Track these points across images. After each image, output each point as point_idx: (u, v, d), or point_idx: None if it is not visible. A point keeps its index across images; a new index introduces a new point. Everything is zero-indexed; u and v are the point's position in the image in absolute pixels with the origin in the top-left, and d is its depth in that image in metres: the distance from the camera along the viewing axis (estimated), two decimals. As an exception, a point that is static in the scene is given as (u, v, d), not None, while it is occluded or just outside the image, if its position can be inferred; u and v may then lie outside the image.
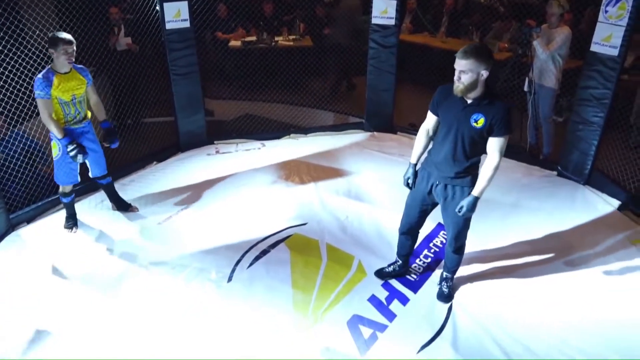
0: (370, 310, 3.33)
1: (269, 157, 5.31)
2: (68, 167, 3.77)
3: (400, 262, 3.62)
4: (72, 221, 4.08)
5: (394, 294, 3.48)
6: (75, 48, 3.51)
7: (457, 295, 3.46)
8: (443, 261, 3.51)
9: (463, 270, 3.68)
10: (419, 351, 3.05)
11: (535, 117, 5.26)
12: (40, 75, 3.48)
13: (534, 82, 5.13)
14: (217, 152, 5.45)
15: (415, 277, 3.64)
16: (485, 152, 2.93)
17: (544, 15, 5.05)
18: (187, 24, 4.93)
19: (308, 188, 4.73)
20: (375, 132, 5.91)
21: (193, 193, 4.61)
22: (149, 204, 4.44)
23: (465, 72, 2.73)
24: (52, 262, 3.72)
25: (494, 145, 2.85)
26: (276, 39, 7.11)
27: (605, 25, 4.35)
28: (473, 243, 3.97)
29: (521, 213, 4.40)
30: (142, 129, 5.35)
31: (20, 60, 3.97)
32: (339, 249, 3.91)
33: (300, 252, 3.86)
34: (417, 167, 3.21)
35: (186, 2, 4.84)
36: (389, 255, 3.81)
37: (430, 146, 3.17)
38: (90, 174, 4.00)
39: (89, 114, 3.86)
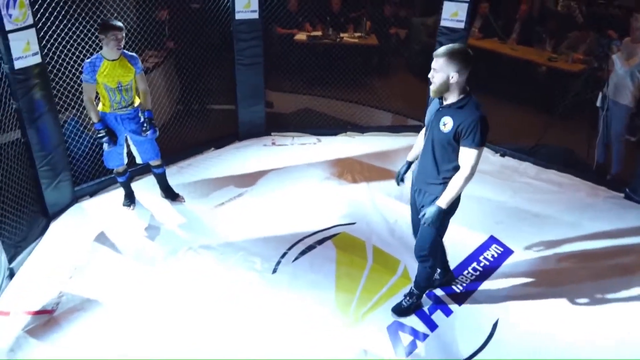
0: (412, 318, 3.28)
1: (324, 153, 5.32)
2: (115, 151, 3.88)
3: (439, 269, 3.49)
4: (129, 199, 4.25)
5: (438, 305, 3.40)
6: (124, 35, 3.56)
7: (504, 311, 3.33)
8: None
9: (512, 287, 3.56)
10: (458, 365, 2.98)
11: (605, 134, 4.99)
12: (88, 60, 3.59)
13: (608, 97, 4.86)
14: (273, 143, 5.52)
15: (461, 288, 3.55)
16: (453, 162, 2.78)
17: (627, 28, 4.76)
18: (256, 15, 5.00)
19: (360, 187, 4.70)
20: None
21: (247, 182, 4.69)
22: (204, 188, 4.56)
23: (437, 71, 2.62)
24: (108, 235, 3.90)
25: (462, 155, 2.70)
26: (341, 35, 7.10)
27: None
28: (525, 259, 3.84)
29: (581, 234, 4.17)
30: (204, 115, 5.50)
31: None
32: (386, 252, 3.86)
33: (346, 251, 3.85)
34: (413, 166, 3.10)
35: (257, -7, 4.91)
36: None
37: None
38: (138, 161, 4.08)
39: (137, 101, 3.89)
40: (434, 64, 2.64)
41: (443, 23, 5.28)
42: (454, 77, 2.60)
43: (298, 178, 4.79)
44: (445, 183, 2.82)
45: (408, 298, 3.33)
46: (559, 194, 4.77)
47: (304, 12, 6.84)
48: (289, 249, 3.83)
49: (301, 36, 6.99)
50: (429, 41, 6.28)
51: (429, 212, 2.82)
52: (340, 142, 5.63)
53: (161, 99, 5.19)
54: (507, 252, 3.93)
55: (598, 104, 4.98)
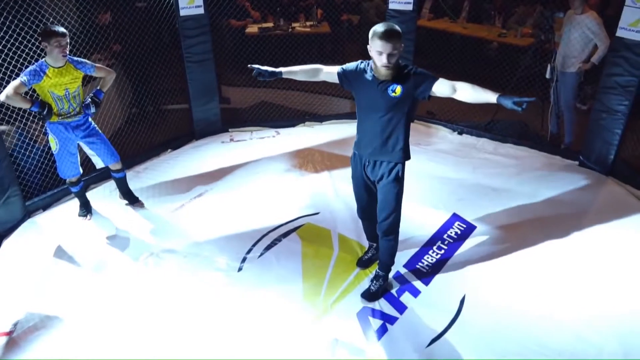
0: (381, 302, 3.29)
1: (283, 145, 5.27)
2: (68, 161, 3.78)
3: (375, 244, 3.55)
4: (85, 209, 4.11)
5: (405, 286, 3.42)
6: (68, 41, 3.45)
7: (470, 287, 3.38)
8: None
9: (477, 262, 3.62)
10: (428, 345, 3.00)
11: (557, 105, 5.10)
12: (33, 66, 3.44)
13: (557, 69, 4.97)
14: (232, 139, 5.44)
15: (427, 268, 3.58)
16: (409, 125, 2.91)
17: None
18: (201, 11, 4.89)
19: (322, 177, 4.69)
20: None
21: (206, 181, 4.61)
22: (162, 192, 4.46)
23: (393, 54, 2.65)
24: (65, 249, 3.77)
25: (441, 86, 2.72)
26: (293, 25, 7.03)
27: (633, 10, 4.16)
28: (487, 234, 3.91)
29: (539, 204, 4.28)
30: (159, 116, 5.37)
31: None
32: (351, 239, 3.86)
33: (312, 242, 3.83)
34: (279, 72, 3.04)
35: (200, -12, 4.80)
36: (402, 245, 3.71)
37: (356, 131, 3.07)
38: (97, 166, 4.00)
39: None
40: (389, 49, 2.62)
41: (391, 6, 5.29)
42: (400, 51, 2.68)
43: (259, 172, 4.74)
44: (395, 148, 2.91)
45: (375, 282, 3.34)
46: (516, 167, 4.87)
47: (254, 3, 6.75)
48: (254, 245, 3.79)
49: (253, 29, 6.90)
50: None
51: (507, 102, 2.53)
52: (299, 133, 5.60)
53: (113, 103, 5.04)
54: (470, 227, 3.99)
55: (547, 75, 5.09)
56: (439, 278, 3.49)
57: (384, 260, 3.29)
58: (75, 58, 3.63)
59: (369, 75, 2.82)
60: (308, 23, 7.14)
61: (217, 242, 3.81)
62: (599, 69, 4.69)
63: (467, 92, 2.70)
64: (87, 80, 4.21)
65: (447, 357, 2.91)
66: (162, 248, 3.75)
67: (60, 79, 3.49)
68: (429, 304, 3.28)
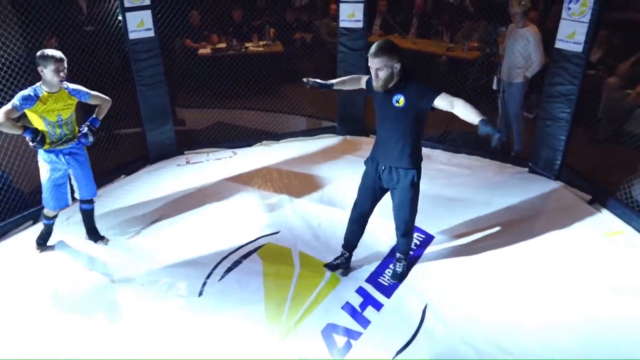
0: (345, 318, 3.29)
1: (241, 165, 5.24)
2: (57, 191, 3.61)
3: (347, 254, 3.69)
4: (44, 241, 3.94)
5: (368, 300, 3.44)
6: (66, 66, 3.33)
7: (431, 297, 3.43)
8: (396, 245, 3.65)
9: (436, 271, 3.68)
10: (394, 357, 3.01)
11: (505, 115, 5.29)
12: (27, 90, 3.32)
13: (503, 80, 5.16)
14: (188, 162, 5.36)
15: (389, 281, 3.61)
16: (417, 134, 3.14)
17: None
18: (151, 33, 4.84)
19: (281, 196, 4.67)
20: (348, 136, 5.88)
21: (163, 206, 4.51)
22: (117, 219, 4.33)
23: (381, 69, 2.91)
24: (19, 279, 3.60)
25: (442, 100, 2.93)
26: (246, 45, 7.05)
27: (569, 22, 4.38)
28: (445, 242, 3.98)
29: (494, 211, 4.40)
30: (111, 141, 5.24)
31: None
32: (312, 256, 3.86)
33: (273, 262, 3.80)
34: (331, 84, 3.40)
35: (149, 11, 4.75)
36: (363, 260, 3.80)
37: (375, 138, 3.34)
38: (76, 195, 3.79)
39: (77, 132, 3.64)
40: (375, 64, 2.90)
41: (342, 24, 5.39)
42: (397, 67, 2.94)
43: (217, 194, 4.68)
44: (410, 156, 3.14)
45: (399, 264, 3.63)
46: (470, 176, 5.00)
47: (206, 24, 6.73)
48: (214, 268, 3.73)
49: (205, 50, 6.87)
50: (335, 42, 6.37)
51: (481, 128, 2.76)
52: (256, 152, 5.58)
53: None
54: (428, 238, 4.05)
55: (494, 87, 5.28)
56: (400, 290, 3.53)
57: (404, 250, 3.59)
58: (71, 85, 3.51)
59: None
60: (261, 42, 7.17)
61: (176, 267, 3.73)
62: (542, 79, 4.90)
63: (461, 109, 2.89)
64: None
65: (412, 369, 2.94)
66: (119, 277, 3.63)
67: (53, 105, 3.38)
68: (392, 316, 3.30)
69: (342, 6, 5.32)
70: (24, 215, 4.23)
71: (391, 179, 3.25)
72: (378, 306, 3.39)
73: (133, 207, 4.50)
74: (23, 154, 4.32)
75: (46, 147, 3.46)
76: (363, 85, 3.30)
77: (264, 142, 5.77)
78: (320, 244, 4.00)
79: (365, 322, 3.25)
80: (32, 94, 3.31)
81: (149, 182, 4.94)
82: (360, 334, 3.17)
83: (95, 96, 3.62)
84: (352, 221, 3.58)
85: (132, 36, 4.75)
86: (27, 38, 4.33)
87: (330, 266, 3.69)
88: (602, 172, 4.55)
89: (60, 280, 3.61)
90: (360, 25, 5.37)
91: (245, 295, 3.46)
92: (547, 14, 6.70)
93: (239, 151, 5.57)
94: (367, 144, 5.69)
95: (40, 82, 3.36)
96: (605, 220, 4.28)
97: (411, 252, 3.76)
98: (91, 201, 3.87)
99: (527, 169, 5.09)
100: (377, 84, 2.99)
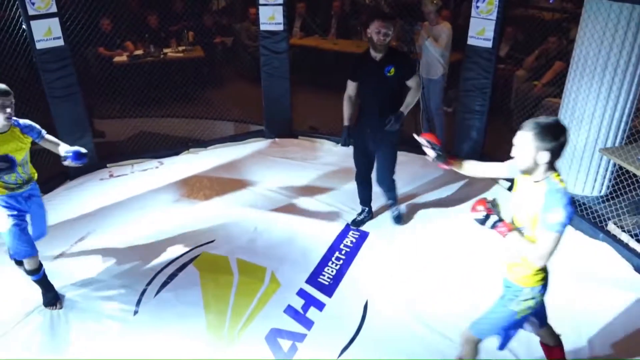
0: (288, 321, 3.28)
1: (168, 175, 5.06)
2: (22, 238, 3.15)
3: (367, 208, 4.27)
4: (51, 294, 3.37)
5: (310, 301, 3.45)
6: (13, 100, 2.88)
7: (371, 292, 3.50)
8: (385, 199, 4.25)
9: (373, 267, 3.76)
10: (339, 355, 3.05)
11: (426, 110, 5.50)
12: None
13: (422, 77, 5.36)
14: (111, 175, 5.10)
15: (329, 280, 3.64)
16: (400, 99, 3.71)
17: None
18: (60, 42, 4.55)
19: (213, 203, 4.58)
20: (276, 139, 5.86)
21: (87, 223, 4.26)
22: (39, 240, 4.04)
23: (388, 34, 3.52)
24: None
25: (412, 82, 3.70)
26: (164, 51, 6.83)
27: (478, 20, 4.64)
28: (380, 238, 4.08)
29: (422, 203, 4.57)
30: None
31: None
32: (250, 262, 3.81)
33: (210, 271, 3.72)
34: (349, 126, 3.89)
35: (57, 19, 4.46)
36: (302, 261, 3.80)
37: (360, 109, 3.89)
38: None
39: (35, 174, 3.29)
40: (385, 27, 3.54)
41: (262, 27, 5.36)
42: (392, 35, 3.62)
43: (145, 207, 4.50)
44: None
45: (396, 209, 4.26)
46: (398, 171, 5.13)
47: (119, 31, 6.44)
48: (148, 284, 3.58)
49: (121, 58, 6.58)
50: (256, 46, 6.33)
51: (395, 116, 3.64)
52: (183, 161, 5.41)
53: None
54: (363, 235, 4.13)
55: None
56: (341, 288, 3.57)
57: (393, 195, 4.19)
58: (22, 121, 3.04)
59: (371, 58, 3.64)
60: (180, 48, 6.97)
61: (107, 286, 3.54)
62: (459, 74, 5.15)
63: (410, 95, 3.72)
64: None
65: (358, 365, 2.99)
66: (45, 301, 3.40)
67: (3, 146, 2.90)
68: (334, 315, 3.34)
69: (262, 9, 5.29)
70: None
71: (377, 140, 3.81)
72: (320, 306, 3.41)
73: (54, 227, 4.17)
74: None
75: (2, 192, 3.05)
76: (352, 87, 3.83)
77: (190, 149, 5.61)
78: (258, 247, 3.97)
79: (308, 324, 3.26)
80: None
81: (70, 199, 4.65)
82: (304, 335, 3.18)
83: (47, 138, 3.20)
84: (359, 184, 4.18)
85: (39, 46, 4.44)
86: None
87: (356, 222, 4.21)
88: (518, 159, 4.85)
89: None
90: (281, 27, 5.37)
91: (183, 308, 3.36)
92: (458, 12, 7.05)
93: (165, 160, 5.39)
94: (296, 145, 5.71)
95: None
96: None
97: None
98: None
99: (450, 161, 5.32)
100: (380, 47, 3.55)
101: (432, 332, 3.18)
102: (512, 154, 2.21)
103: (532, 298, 2.32)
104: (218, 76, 7.35)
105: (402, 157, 5.38)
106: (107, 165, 5.23)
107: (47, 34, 4.44)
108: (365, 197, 4.24)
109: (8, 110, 2.86)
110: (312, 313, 3.36)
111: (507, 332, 2.43)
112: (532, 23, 6.43)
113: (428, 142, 2.63)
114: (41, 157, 4.93)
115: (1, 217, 3.09)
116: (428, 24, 5.20)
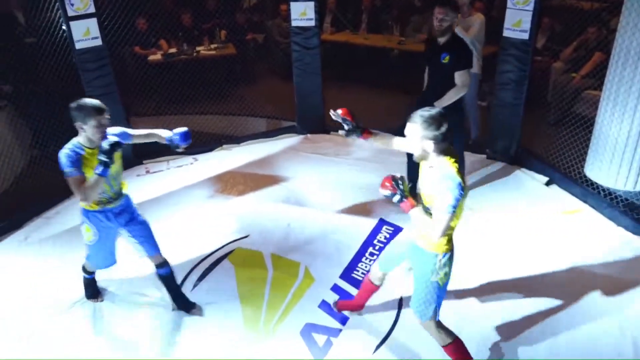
0: (322, 317, 3.29)
1: (203, 171, 5.14)
2: (105, 252, 3.13)
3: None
4: (93, 289, 3.48)
5: (344, 297, 3.45)
6: (109, 117, 2.76)
7: (406, 288, 3.46)
8: None
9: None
10: (374, 351, 3.04)
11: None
12: (67, 150, 2.72)
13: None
14: (148, 172, 5.22)
15: (363, 276, 3.63)
16: (451, 85, 3.83)
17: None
18: (98, 42, 4.67)
19: (246, 199, 4.63)
20: (308, 135, 5.87)
21: (125, 218, 4.37)
22: (78, 235, 4.14)
23: (445, 19, 3.73)
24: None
25: (458, 76, 3.81)
26: (197, 49, 6.93)
27: (514, 11, 4.53)
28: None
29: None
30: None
31: None
32: (284, 257, 3.84)
33: (245, 266, 3.76)
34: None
35: (95, 19, 4.58)
36: (336, 256, 3.81)
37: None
38: (144, 256, 3.21)
39: (126, 186, 3.14)
40: (441, 13, 3.75)
41: (294, 23, 5.37)
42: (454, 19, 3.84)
43: (180, 202, 4.58)
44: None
45: None
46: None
47: (154, 30, 6.57)
48: (185, 278, 3.65)
49: (155, 56, 6.71)
50: (287, 42, 6.35)
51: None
52: (217, 157, 5.49)
53: (11, 148, 4.67)
54: (397, 230, 4.10)
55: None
56: (375, 284, 3.55)
57: None
58: (112, 130, 2.86)
59: (436, 42, 3.90)
60: (213, 45, 7.06)
61: (146, 281, 3.61)
62: (494, 67, 5.05)
63: (453, 90, 3.84)
64: None
65: (395, 359, 2.97)
66: (82, 296, 3.49)
67: (96, 160, 2.74)
68: (369, 310, 3.32)
69: (293, 5, 5.31)
70: None
71: None
72: (354, 302, 3.41)
73: (94, 223, 4.33)
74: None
75: (93, 207, 2.93)
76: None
77: (224, 146, 5.68)
78: (291, 243, 3.99)
79: (343, 319, 3.27)
80: (74, 154, 2.72)
81: (109, 196, 4.77)
82: (339, 330, 3.18)
83: (138, 136, 3.06)
84: (408, 159, 4.13)
85: (78, 46, 4.57)
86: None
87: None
88: (556, 154, 4.74)
89: (22, 304, 3.44)
90: (312, 23, 5.37)
91: (220, 302, 3.41)
92: (492, 4, 6.90)
93: (200, 157, 5.47)
94: (328, 140, 5.71)
95: (78, 138, 2.78)
96: (562, 200, 4.46)
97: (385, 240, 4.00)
98: (165, 263, 3.25)
99: (485, 155, 5.23)
100: (438, 32, 3.79)
101: (467, 328, 3.14)
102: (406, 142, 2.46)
103: (444, 265, 2.55)
104: (250, 73, 7.42)
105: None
106: (144, 161, 5.35)
107: (85, 34, 4.56)
108: (413, 175, 4.10)
109: (104, 128, 2.76)
110: (346, 308, 3.36)
111: (439, 301, 2.64)
112: (570, 13, 6.25)
113: (342, 118, 2.73)
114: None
115: (88, 232, 3.01)
116: (460, 15, 5.10)
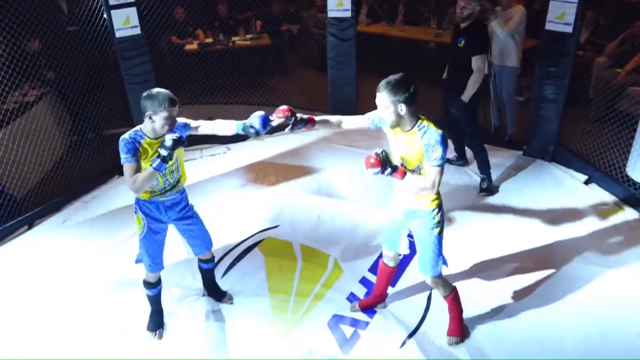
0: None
1: (236, 160, 5.19)
2: (155, 249, 2.95)
3: (462, 161, 4.89)
4: (156, 321, 3.17)
5: (372, 290, 3.42)
6: (178, 109, 2.69)
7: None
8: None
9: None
10: (402, 345, 3.02)
11: (497, 99, 5.28)
12: (127, 136, 2.65)
13: (494, 64, 5.14)
14: (182, 160, 5.29)
15: (392, 270, 3.60)
16: (465, 71, 4.10)
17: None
18: (137, 31, 4.75)
19: (278, 189, 4.65)
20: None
21: (159, 205, 4.46)
22: (114, 220, 4.28)
23: (466, 7, 3.97)
24: (17, 287, 3.54)
25: (474, 61, 4.03)
26: (233, 39, 6.98)
27: (558, 4, 4.38)
28: (446, 226, 3.97)
29: (490, 195, 4.42)
30: (101, 142, 5.18)
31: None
32: (314, 248, 3.85)
33: (275, 256, 3.79)
34: None
35: (134, 8, 4.66)
36: (365, 249, 3.79)
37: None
38: (191, 254, 3.19)
39: (184, 179, 2.97)
40: (465, 2, 4.03)
41: (330, 14, 5.35)
42: (477, 9, 4.02)
43: (213, 191, 4.64)
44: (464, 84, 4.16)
45: (484, 182, 4.44)
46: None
47: (192, 20, 6.65)
48: (216, 265, 3.69)
49: (192, 46, 6.79)
50: (321, 33, 6.33)
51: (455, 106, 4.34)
52: (250, 147, 5.52)
53: (52, 132, 4.82)
54: (428, 225, 4.05)
55: (486, 71, 5.26)
56: (404, 278, 3.53)
57: (481, 165, 4.46)
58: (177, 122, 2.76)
59: (458, 27, 4.16)
60: (248, 36, 7.10)
61: (177, 267, 3.68)
62: (533, 61, 4.91)
63: (471, 78, 4.10)
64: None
65: (422, 354, 2.95)
66: (120, 279, 3.59)
67: (153, 152, 2.69)
68: (397, 304, 3.31)
69: (330, -4, 5.28)
70: (18, 220, 4.17)
71: (448, 102, 4.40)
72: (383, 295, 3.39)
73: (128, 208, 4.38)
74: (14, 158, 4.26)
75: (145, 196, 2.81)
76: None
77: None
78: (321, 235, 3.99)
79: (371, 312, 3.25)
80: (133, 141, 2.65)
81: (144, 182, 4.87)
82: (367, 323, 3.17)
83: (198, 127, 2.93)
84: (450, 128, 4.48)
85: (118, 34, 4.66)
86: (10, 40, 4.23)
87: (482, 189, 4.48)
88: (596, 152, 4.58)
89: (59, 286, 3.56)
90: (348, 14, 5.34)
91: (249, 291, 3.45)
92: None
93: (233, 146, 5.52)
94: (360, 134, 5.65)
95: (141, 126, 2.72)
96: (601, 199, 4.31)
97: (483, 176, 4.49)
98: (212, 259, 3.26)
99: (521, 152, 5.10)
100: (458, 19, 4.09)
101: (497, 324, 3.09)
102: (379, 114, 2.55)
103: (440, 219, 2.74)
104: (284, 64, 7.42)
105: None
106: (178, 149, 5.42)
107: (125, 22, 4.65)
108: (460, 149, 4.83)
109: (175, 120, 2.70)
110: (374, 301, 3.34)
111: (440, 252, 2.83)
112: (615, 7, 6.02)
113: (283, 117, 2.69)
114: (117, 142, 5.22)
115: (139, 222, 2.91)
116: (500, 8, 4.98)
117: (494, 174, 4.71)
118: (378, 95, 2.47)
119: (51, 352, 3.01)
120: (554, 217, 4.09)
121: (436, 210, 2.71)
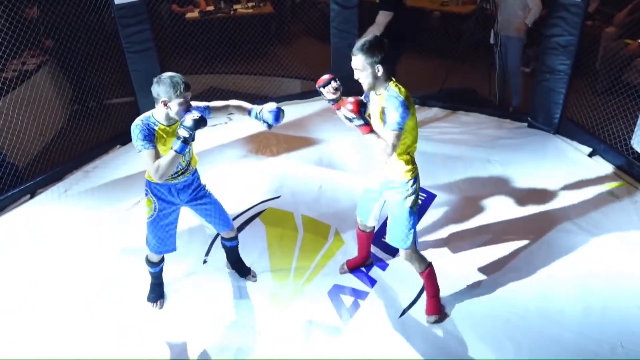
0: (350, 279, 3.31)
1: (237, 131, 5.16)
2: (164, 231, 2.93)
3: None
4: (157, 294, 3.20)
5: (373, 260, 3.45)
6: (190, 93, 2.60)
7: (435, 255, 3.43)
8: None
9: (440, 230, 3.69)
10: (400, 315, 3.05)
11: (502, 69, 5.21)
12: (140, 122, 2.56)
13: (500, 33, 5.05)
14: (183, 130, 5.26)
15: (393, 241, 3.61)
16: None
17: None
18: (137, -2, 4.66)
19: (279, 160, 4.63)
20: (344, 97, 5.76)
21: (161, 175, 4.45)
22: (115, 190, 4.29)
23: None
24: (20, 255, 3.57)
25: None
26: (234, 7, 6.85)
27: (567, -29, 4.26)
28: (447, 200, 3.98)
29: (493, 167, 4.39)
30: (103, 111, 5.14)
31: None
32: (315, 219, 3.85)
33: (276, 226, 3.80)
34: None
35: (133, -26, 4.56)
36: (366, 222, 3.78)
37: None
38: (210, 232, 3.29)
39: (195, 161, 2.95)
40: None
41: (333, -21, 5.21)
42: None
43: (214, 161, 4.62)
44: None
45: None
46: (469, 133, 4.97)
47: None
48: (217, 236, 3.71)
49: (193, 14, 6.67)
50: (324, 1, 6.20)
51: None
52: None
53: (53, 101, 4.78)
54: (430, 197, 4.05)
55: (491, 41, 5.17)
56: (405, 249, 3.53)
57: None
58: (193, 106, 2.70)
59: None
60: (250, 4, 6.96)
61: (178, 236, 3.65)
62: (540, 32, 4.81)
63: None
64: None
65: (422, 323, 2.98)
66: (121, 247, 3.62)
67: (171, 138, 2.63)
68: (397, 275, 3.33)
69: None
70: (20, 189, 4.18)
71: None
72: (383, 266, 3.41)
73: (130, 178, 4.44)
74: (15, 127, 4.24)
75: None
76: None
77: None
78: (322, 206, 3.99)
79: (371, 282, 3.28)
80: (146, 128, 2.56)
81: (144, 152, 4.86)
82: (367, 293, 3.20)
83: (216, 108, 2.91)
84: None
85: (117, 1, 4.56)
86: (5, 4, 4.15)
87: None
88: (602, 124, 4.53)
89: (62, 255, 3.59)
90: (351, -20, 5.20)
91: (250, 260, 3.46)
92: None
93: (234, 117, 5.46)
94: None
95: (151, 112, 2.61)
96: (605, 173, 4.28)
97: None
98: (235, 237, 3.22)
99: (526, 124, 5.05)
100: None
101: (494, 298, 3.11)
102: (355, 77, 2.59)
103: (414, 191, 2.73)
104: (286, 33, 7.30)
105: (473, 118, 5.25)
106: (179, 119, 5.38)
107: (124, -11, 4.55)
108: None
109: (187, 105, 2.60)
110: (374, 272, 3.36)
111: (414, 225, 2.81)
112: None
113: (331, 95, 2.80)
114: (117, 112, 5.19)
115: (149, 205, 2.88)
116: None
117: (497, 146, 4.68)
118: (353, 59, 2.50)
119: (51, 352, 2.94)
120: (556, 189, 4.07)
121: (411, 182, 2.71)
